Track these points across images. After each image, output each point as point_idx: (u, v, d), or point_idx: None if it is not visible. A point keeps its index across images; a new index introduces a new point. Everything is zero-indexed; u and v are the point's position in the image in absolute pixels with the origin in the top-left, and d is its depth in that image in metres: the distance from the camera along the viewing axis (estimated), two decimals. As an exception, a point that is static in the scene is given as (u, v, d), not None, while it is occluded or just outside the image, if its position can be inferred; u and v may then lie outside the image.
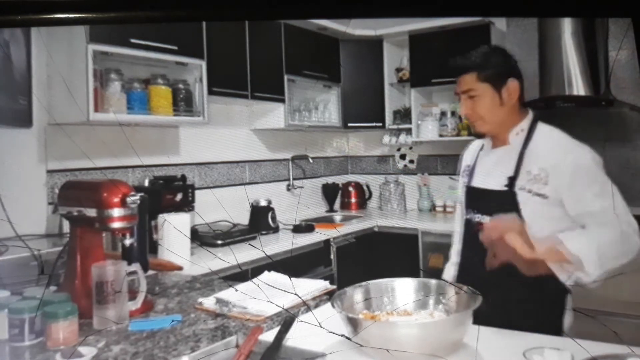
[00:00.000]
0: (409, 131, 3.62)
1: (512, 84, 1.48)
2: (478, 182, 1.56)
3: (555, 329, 1.44)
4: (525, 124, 1.51)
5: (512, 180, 1.46)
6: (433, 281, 1.32)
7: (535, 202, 1.42)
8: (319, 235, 2.78)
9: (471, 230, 1.53)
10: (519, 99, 1.50)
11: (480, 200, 1.54)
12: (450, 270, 1.66)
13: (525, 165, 1.45)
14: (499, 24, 3.37)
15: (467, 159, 1.66)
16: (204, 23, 2.57)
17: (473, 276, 1.45)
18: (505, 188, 1.46)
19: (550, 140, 1.47)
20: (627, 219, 1.36)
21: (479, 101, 1.49)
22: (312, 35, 3.35)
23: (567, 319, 1.48)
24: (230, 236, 2.57)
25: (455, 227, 1.70)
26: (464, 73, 1.50)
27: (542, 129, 1.50)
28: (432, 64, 3.43)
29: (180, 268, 1.96)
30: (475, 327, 1.18)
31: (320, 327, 1.21)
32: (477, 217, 1.52)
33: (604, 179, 1.39)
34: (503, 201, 1.46)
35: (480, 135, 1.57)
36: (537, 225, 1.39)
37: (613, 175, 1.39)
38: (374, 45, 3.64)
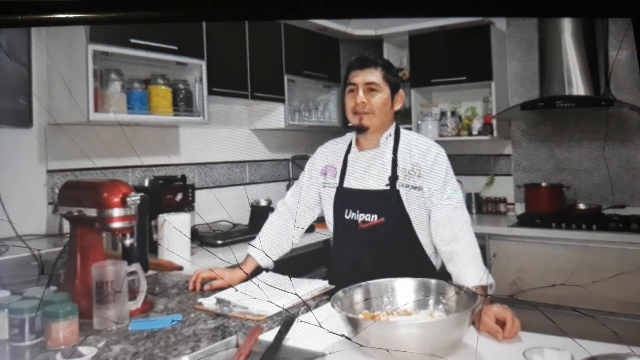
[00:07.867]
0: (409, 131, 3.63)
1: (402, 94, 1.69)
2: (353, 184, 1.67)
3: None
4: (392, 129, 1.67)
5: (393, 180, 1.62)
6: (433, 281, 1.32)
7: (412, 194, 1.61)
8: (319, 235, 2.78)
9: (351, 228, 1.65)
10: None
11: (361, 200, 1.65)
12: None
13: (400, 164, 1.63)
14: (499, 24, 3.37)
15: (328, 158, 1.75)
16: (204, 23, 2.57)
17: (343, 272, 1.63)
18: (387, 187, 1.62)
19: (414, 139, 1.66)
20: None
21: (378, 96, 1.63)
22: (312, 35, 3.35)
23: None
24: (230, 236, 2.56)
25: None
26: (375, 67, 1.63)
27: (404, 131, 1.69)
28: (432, 64, 3.43)
29: (180, 268, 1.96)
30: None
31: (320, 327, 1.21)
32: (362, 217, 1.64)
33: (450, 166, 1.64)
34: (389, 199, 1.61)
35: (362, 129, 1.65)
36: (415, 213, 1.61)
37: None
38: (374, 45, 3.63)
